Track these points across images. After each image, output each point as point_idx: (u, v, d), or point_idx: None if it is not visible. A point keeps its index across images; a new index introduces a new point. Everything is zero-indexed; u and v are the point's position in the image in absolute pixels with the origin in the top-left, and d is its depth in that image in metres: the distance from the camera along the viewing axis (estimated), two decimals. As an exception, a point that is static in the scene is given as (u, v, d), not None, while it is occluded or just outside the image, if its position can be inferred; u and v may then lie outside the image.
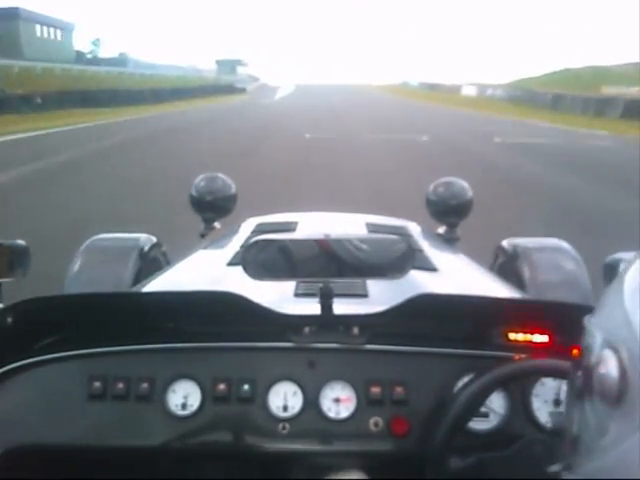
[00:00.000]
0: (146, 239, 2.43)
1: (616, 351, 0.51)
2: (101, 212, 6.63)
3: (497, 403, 1.14)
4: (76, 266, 2.25)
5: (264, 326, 1.18)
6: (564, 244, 2.37)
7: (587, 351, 0.56)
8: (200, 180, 2.62)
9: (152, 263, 2.35)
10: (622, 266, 0.60)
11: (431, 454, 1.04)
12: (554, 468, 0.92)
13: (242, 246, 1.69)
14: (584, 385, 0.56)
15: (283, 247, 1.12)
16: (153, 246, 2.43)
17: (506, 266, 2.35)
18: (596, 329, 0.56)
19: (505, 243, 2.44)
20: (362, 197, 7.55)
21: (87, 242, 2.37)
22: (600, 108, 24.15)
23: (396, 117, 24.87)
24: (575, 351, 0.60)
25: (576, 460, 0.56)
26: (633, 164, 10.01)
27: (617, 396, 0.49)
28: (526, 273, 2.20)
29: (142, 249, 2.34)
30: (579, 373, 0.57)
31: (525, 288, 2.11)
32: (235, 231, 2.04)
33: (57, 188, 8.27)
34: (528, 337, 1.17)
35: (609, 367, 0.50)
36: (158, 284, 1.66)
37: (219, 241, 2.07)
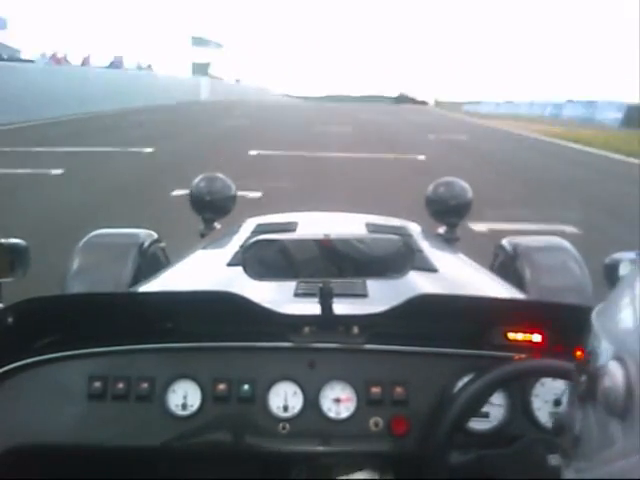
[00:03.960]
0: (146, 235, 2.43)
1: (623, 363, 0.48)
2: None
3: (497, 403, 1.14)
4: (76, 263, 2.24)
5: (264, 326, 1.18)
6: (565, 243, 2.36)
7: (592, 356, 0.54)
8: (200, 180, 2.62)
9: (152, 259, 2.35)
10: (622, 266, 0.58)
11: (431, 454, 1.04)
12: (553, 461, 0.92)
13: (242, 246, 1.69)
14: (588, 391, 0.53)
15: (283, 247, 1.12)
16: (153, 242, 2.43)
17: (506, 265, 2.35)
18: (602, 333, 0.54)
19: (505, 242, 2.44)
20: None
21: (86, 238, 2.37)
22: None
23: None
24: (579, 353, 0.58)
25: (576, 459, 0.55)
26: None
27: (622, 411, 0.47)
28: (526, 273, 2.20)
29: (142, 245, 2.34)
30: (583, 378, 0.55)
31: (525, 288, 2.10)
32: (235, 231, 2.04)
33: None
34: (528, 337, 1.17)
35: (615, 380, 0.48)
36: (158, 284, 1.66)
37: (219, 241, 2.07)
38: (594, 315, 0.57)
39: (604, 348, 0.52)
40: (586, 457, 0.52)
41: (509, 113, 36.29)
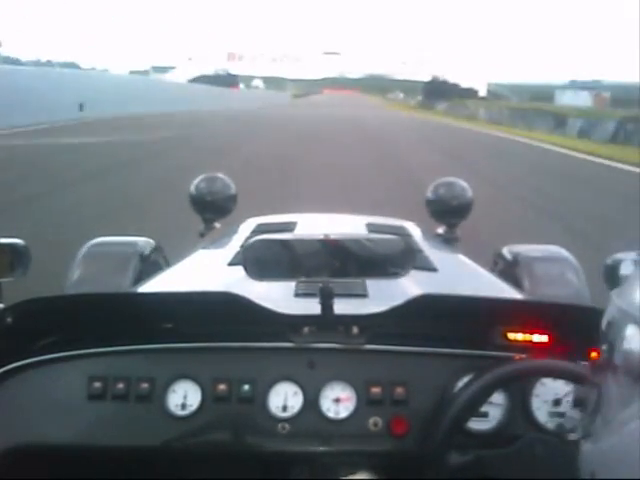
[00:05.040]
0: (145, 243, 2.42)
1: None
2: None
3: (497, 403, 1.14)
4: (76, 273, 2.23)
5: (264, 326, 1.18)
6: (564, 253, 2.37)
7: (611, 326, 0.57)
8: (200, 180, 2.62)
9: (152, 267, 2.33)
10: (624, 266, 0.61)
11: (431, 454, 1.04)
12: (573, 436, 0.93)
13: (242, 246, 1.69)
14: (608, 358, 0.57)
15: (283, 247, 1.12)
16: (153, 250, 2.42)
17: (505, 274, 2.34)
18: (622, 304, 0.57)
19: (504, 250, 2.44)
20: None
21: (85, 247, 2.35)
22: None
23: None
24: (594, 354, 0.61)
25: (594, 430, 0.57)
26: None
27: None
28: (525, 282, 2.20)
29: (142, 254, 2.33)
30: (604, 347, 0.58)
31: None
32: (235, 231, 2.04)
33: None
34: (528, 337, 1.17)
35: (633, 343, 0.52)
36: (158, 284, 1.66)
37: (219, 241, 2.07)
38: (613, 293, 0.61)
39: (623, 318, 0.55)
40: (606, 423, 0.55)
41: None
